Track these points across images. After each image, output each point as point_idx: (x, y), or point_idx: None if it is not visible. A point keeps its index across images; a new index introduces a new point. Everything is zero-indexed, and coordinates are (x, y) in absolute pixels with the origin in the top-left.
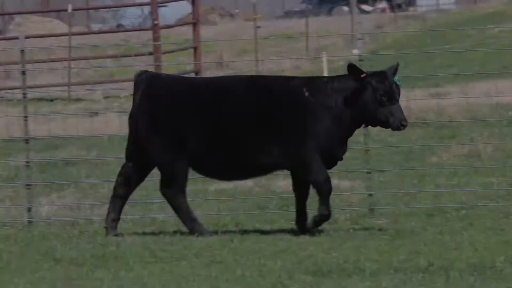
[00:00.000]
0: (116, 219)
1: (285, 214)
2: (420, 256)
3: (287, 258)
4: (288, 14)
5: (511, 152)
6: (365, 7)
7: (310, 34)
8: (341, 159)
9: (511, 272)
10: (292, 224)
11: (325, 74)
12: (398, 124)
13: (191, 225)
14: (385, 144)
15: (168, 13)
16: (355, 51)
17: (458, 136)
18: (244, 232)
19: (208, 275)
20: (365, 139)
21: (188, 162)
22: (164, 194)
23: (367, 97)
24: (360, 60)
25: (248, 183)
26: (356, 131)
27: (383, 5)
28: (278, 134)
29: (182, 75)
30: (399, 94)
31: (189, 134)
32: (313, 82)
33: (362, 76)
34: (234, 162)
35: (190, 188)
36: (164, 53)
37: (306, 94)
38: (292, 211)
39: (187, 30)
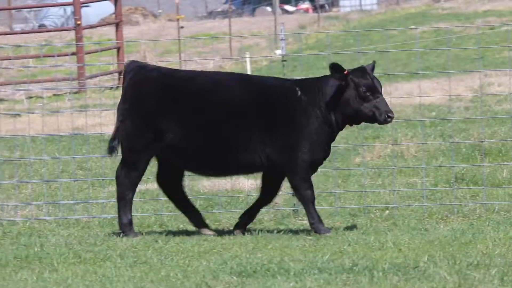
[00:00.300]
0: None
1: (209, 215)
2: (344, 256)
3: (212, 258)
4: (211, 15)
5: (435, 152)
6: (287, 7)
7: (233, 35)
8: (322, 163)
9: (434, 272)
10: (216, 225)
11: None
12: (384, 116)
13: (123, 221)
14: None
15: (91, 13)
16: (278, 52)
17: (382, 136)
18: (169, 232)
19: (133, 276)
20: None
21: (170, 156)
22: (117, 178)
23: (351, 93)
24: (283, 61)
25: None
26: None
27: (306, 5)
28: (270, 132)
29: (173, 68)
30: (381, 88)
31: (169, 127)
32: (302, 82)
33: (345, 73)
34: (217, 158)
35: (113, 189)
36: (87, 53)
37: (299, 93)
38: (216, 212)
39: (110, 30)
